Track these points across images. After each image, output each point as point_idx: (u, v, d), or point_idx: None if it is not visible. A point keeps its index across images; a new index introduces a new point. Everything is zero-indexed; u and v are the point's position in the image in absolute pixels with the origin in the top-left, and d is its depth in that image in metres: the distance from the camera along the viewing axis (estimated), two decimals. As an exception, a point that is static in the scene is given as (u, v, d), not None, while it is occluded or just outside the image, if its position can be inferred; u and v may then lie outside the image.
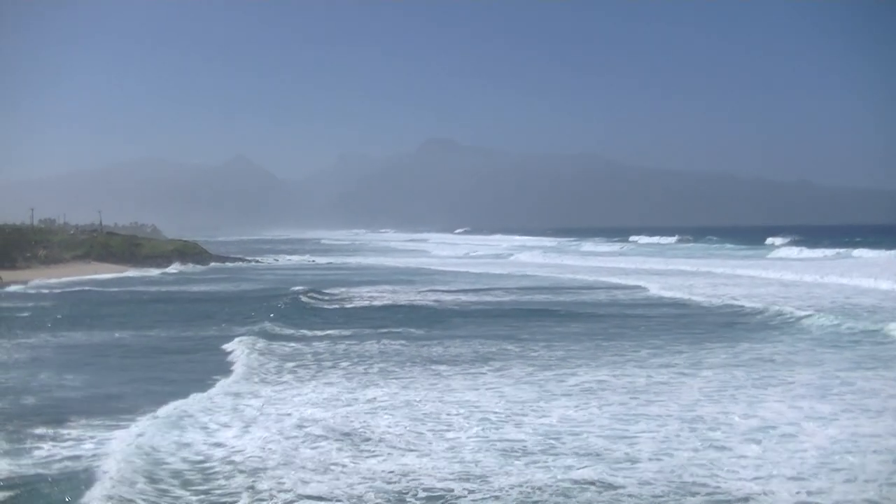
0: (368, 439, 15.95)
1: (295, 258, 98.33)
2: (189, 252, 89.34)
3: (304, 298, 44.01)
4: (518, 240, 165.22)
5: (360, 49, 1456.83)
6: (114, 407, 18.83)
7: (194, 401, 19.08)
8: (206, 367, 24.36)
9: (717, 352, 25.67)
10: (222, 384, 21.41)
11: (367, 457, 14.86)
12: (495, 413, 17.92)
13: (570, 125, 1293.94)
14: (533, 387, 20.68)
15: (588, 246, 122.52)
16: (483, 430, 16.59)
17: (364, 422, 17.26)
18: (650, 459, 14.59)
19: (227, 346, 27.35)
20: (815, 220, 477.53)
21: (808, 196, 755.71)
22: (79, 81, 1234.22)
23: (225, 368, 24.08)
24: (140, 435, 15.95)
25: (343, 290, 49.84)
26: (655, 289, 48.43)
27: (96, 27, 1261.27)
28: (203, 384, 21.32)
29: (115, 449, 15.10)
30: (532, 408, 18.39)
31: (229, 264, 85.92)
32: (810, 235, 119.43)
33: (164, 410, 18.09)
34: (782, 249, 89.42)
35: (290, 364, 24.29)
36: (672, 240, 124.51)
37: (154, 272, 72.03)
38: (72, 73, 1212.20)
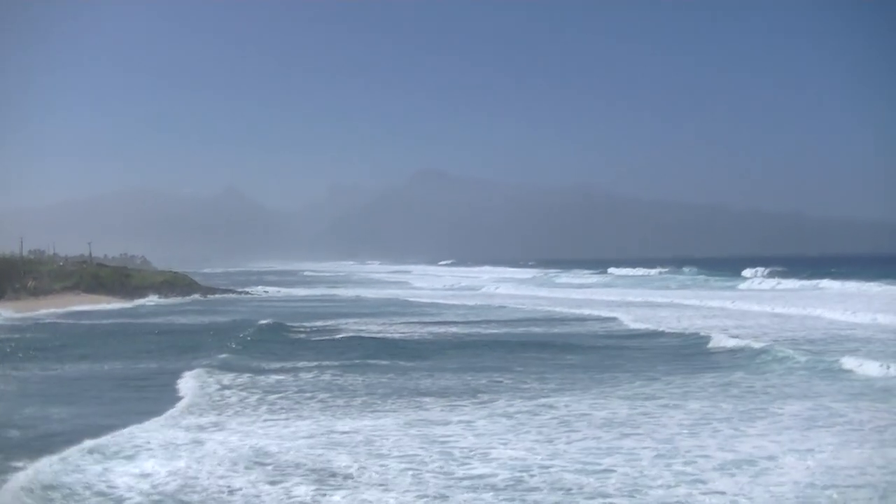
0: (334, 475, 16.24)
1: (272, 290, 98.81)
2: (178, 283, 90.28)
3: (269, 331, 44.83)
4: (500, 271, 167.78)
5: (351, 79, 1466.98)
6: (47, 440, 19.24)
7: (127, 434, 19.39)
8: (153, 400, 24.67)
9: (677, 382, 26.58)
10: (165, 416, 21.92)
11: (330, 492, 15.10)
12: (462, 448, 18.25)
13: (563, 156, 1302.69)
14: (508, 419, 21.10)
15: (565, 277, 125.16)
16: (449, 464, 16.95)
17: (326, 457, 17.48)
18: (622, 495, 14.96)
19: (181, 379, 27.76)
20: (808, 251, 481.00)
21: (800, 226, 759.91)
22: (68, 111, 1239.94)
23: (171, 400, 24.46)
24: (49, 467, 16.26)
25: (318, 323, 50.50)
26: (628, 320, 49.52)
27: (86, 57, 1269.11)
28: (145, 416, 21.76)
29: (9, 487, 15.17)
30: (501, 440, 18.85)
31: (219, 296, 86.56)
32: (793, 266, 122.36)
33: (90, 443, 18.29)
34: (754, 281, 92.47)
35: (247, 396, 24.74)
36: (653, 271, 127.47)
37: (144, 302, 74.76)
38: (61, 103, 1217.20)
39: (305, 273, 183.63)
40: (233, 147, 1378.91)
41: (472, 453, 17.80)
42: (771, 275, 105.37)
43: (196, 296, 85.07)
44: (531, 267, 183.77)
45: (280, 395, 25.29)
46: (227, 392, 25.73)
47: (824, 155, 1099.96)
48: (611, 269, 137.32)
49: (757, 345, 34.08)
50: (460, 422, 21.13)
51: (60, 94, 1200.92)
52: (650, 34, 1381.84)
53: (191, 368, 30.16)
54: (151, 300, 77.74)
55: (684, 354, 34.24)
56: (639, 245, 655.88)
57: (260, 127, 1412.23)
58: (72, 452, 17.61)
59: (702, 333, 40.13)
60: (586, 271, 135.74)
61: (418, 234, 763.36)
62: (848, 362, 28.60)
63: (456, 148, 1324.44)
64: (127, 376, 29.98)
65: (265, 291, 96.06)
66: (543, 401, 23.53)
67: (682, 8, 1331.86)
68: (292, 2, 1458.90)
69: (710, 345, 35.77)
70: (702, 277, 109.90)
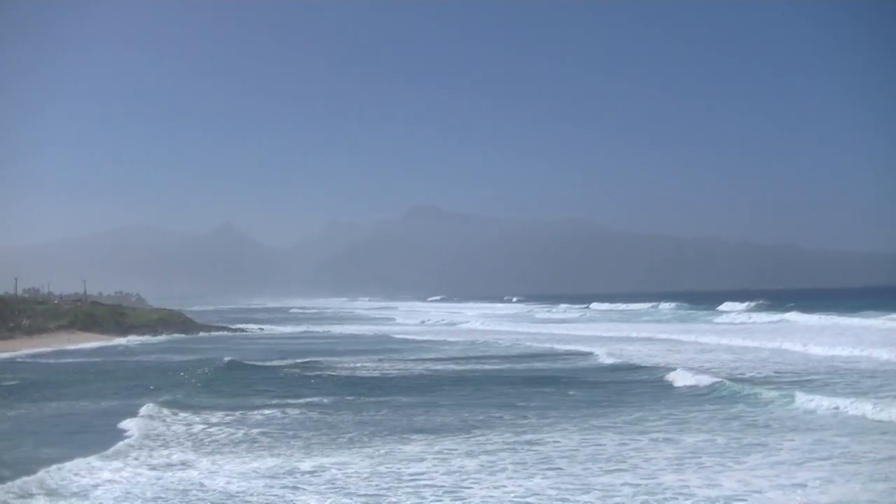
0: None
1: (259, 327, 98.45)
2: (173, 321, 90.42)
3: (236, 369, 45.67)
4: (485, 307, 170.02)
5: (347, 115, 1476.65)
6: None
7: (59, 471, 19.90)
8: (97, 437, 25.13)
9: (630, 417, 27.47)
10: (102, 453, 22.35)
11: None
12: (435, 486, 18.68)
13: (558, 190, 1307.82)
14: (486, 456, 21.60)
15: (547, 313, 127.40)
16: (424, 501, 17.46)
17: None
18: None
19: (130, 418, 28.13)
20: (802, 283, 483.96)
21: (794, 259, 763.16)
22: (62, 148, 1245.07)
23: (115, 438, 24.92)
24: None
25: (290, 360, 50.94)
26: (603, 355, 50.02)
27: (79, 93, 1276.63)
28: (85, 452, 22.25)
29: None
30: (475, 479, 19.22)
31: (214, 333, 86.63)
32: (781, 299, 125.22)
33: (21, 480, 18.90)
34: (731, 315, 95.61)
35: (199, 433, 25.53)
36: (636, 306, 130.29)
37: (133, 340, 76.04)
38: (55, 140, 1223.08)
39: (293, 310, 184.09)
40: (229, 184, 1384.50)
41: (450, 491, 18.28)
42: (752, 308, 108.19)
43: (190, 334, 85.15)
44: (518, 302, 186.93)
45: (233, 431, 26.09)
46: (170, 429, 26.58)
47: (819, 188, 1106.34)
48: (594, 305, 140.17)
49: (708, 381, 34.68)
50: (439, 457, 21.66)
51: (54, 131, 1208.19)
52: (646, 69, 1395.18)
53: (142, 406, 30.75)
54: (139, 339, 78.15)
55: (640, 392, 34.68)
56: (634, 278, 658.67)
57: (256, 164, 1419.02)
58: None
59: (663, 366, 41.70)
60: (571, 306, 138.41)
61: (412, 270, 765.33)
62: (800, 397, 29.17)
63: (450, 183, 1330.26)
64: (85, 414, 30.74)
65: (261, 329, 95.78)
66: (521, 437, 24.14)
67: (678, 44, 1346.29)
68: (286, 38, 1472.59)
69: (669, 378, 36.64)
70: (682, 311, 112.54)
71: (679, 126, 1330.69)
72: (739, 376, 37.74)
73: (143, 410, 29.83)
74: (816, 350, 49.02)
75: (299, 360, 51.15)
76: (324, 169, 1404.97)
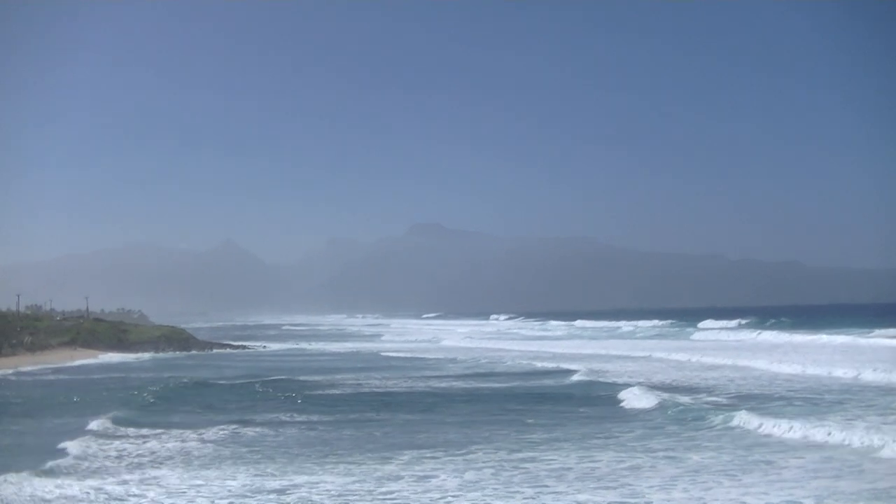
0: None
1: (255, 344, 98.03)
2: (175, 338, 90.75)
3: (197, 387, 46.47)
4: (477, 324, 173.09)
5: (349, 132, 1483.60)
6: None
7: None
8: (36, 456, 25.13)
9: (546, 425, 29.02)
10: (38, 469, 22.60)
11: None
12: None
13: (561, 208, 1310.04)
14: (459, 475, 22.14)
15: (530, 330, 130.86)
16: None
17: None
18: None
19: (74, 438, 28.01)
20: (804, 300, 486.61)
21: (796, 276, 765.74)
22: (65, 165, 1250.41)
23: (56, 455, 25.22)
24: None
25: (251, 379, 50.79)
26: (581, 373, 50.53)
27: (82, 109, 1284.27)
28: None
29: None
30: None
31: (216, 350, 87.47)
32: (773, 316, 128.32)
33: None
34: (710, 332, 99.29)
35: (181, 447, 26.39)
36: (619, 323, 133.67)
37: (139, 356, 77.48)
38: (56, 159, 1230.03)
39: (285, 327, 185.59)
40: (231, 201, 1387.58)
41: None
42: (736, 326, 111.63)
43: (192, 351, 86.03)
44: (508, 320, 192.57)
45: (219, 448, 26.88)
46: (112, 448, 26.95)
47: (822, 204, 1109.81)
48: (578, 322, 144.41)
49: (657, 400, 34.92)
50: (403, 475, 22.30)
51: (57, 148, 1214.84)
52: (649, 85, 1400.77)
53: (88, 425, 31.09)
54: (141, 356, 79.37)
55: (588, 410, 35.01)
56: (635, 296, 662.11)
57: (258, 181, 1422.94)
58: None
59: (622, 383, 42.41)
60: (561, 323, 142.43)
61: (412, 287, 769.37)
62: (742, 417, 29.41)
63: (452, 200, 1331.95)
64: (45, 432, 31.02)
65: (263, 347, 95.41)
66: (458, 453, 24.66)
67: (679, 58, 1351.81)
68: (289, 54, 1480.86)
69: (622, 396, 37.14)
70: (666, 329, 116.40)
71: (682, 142, 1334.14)
72: (694, 395, 38.01)
73: (94, 425, 30.64)
74: (782, 368, 49.73)
75: (270, 378, 51.51)
76: (326, 186, 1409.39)
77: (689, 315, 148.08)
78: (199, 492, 20.69)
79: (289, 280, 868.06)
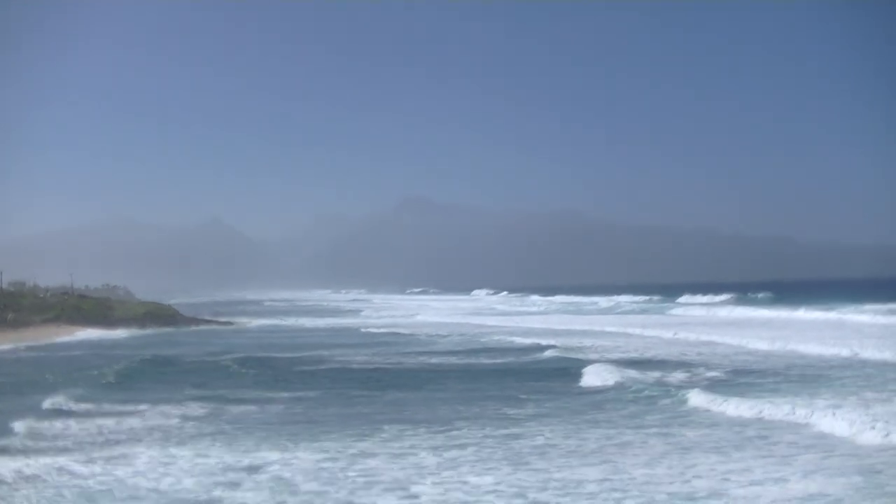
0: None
1: (242, 320, 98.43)
2: (161, 315, 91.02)
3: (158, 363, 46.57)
4: (459, 299, 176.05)
5: (335, 106, 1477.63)
6: None
7: None
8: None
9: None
10: None
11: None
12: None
13: (550, 181, 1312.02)
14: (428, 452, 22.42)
15: (509, 305, 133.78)
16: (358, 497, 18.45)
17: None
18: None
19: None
20: (794, 276, 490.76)
21: (788, 251, 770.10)
22: (49, 141, 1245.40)
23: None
24: None
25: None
26: (553, 349, 50.74)
27: (65, 86, 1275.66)
28: None
29: None
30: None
31: (203, 327, 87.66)
32: (760, 291, 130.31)
33: None
34: (684, 308, 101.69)
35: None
36: (597, 298, 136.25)
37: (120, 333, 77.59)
38: (41, 134, 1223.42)
39: (267, 303, 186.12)
40: (217, 177, 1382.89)
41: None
42: (718, 302, 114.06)
43: (178, 327, 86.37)
44: (493, 294, 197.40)
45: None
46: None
47: (814, 178, 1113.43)
48: (558, 297, 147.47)
49: (616, 378, 35.28)
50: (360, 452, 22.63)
51: (42, 126, 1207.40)
52: (637, 59, 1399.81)
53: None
54: (126, 332, 79.30)
55: (542, 388, 35.07)
56: (625, 271, 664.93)
57: (244, 157, 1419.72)
58: None
59: (594, 358, 43.22)
60: (542, 298, 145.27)
61: (400, 262, 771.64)
62: (693, 397, 29.69)
63: (441, 174, 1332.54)
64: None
65: (250, 322, 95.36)
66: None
67: (671, 33, 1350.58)
68: (274, 30, 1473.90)
69: (583, 372, 37.65)
70: (641, 304, 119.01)
71: (671, 116, 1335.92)
72: (656, 371, 38.52)
73: (51, 403, 30.92)
74: (752, 344, 50.59)
75: (255, 355, 51.73)
76: (312, 160, 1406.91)
77: (674, 290, 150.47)
78: (166, 470, 20.80)
79: (275, 256, 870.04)
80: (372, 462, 21.50)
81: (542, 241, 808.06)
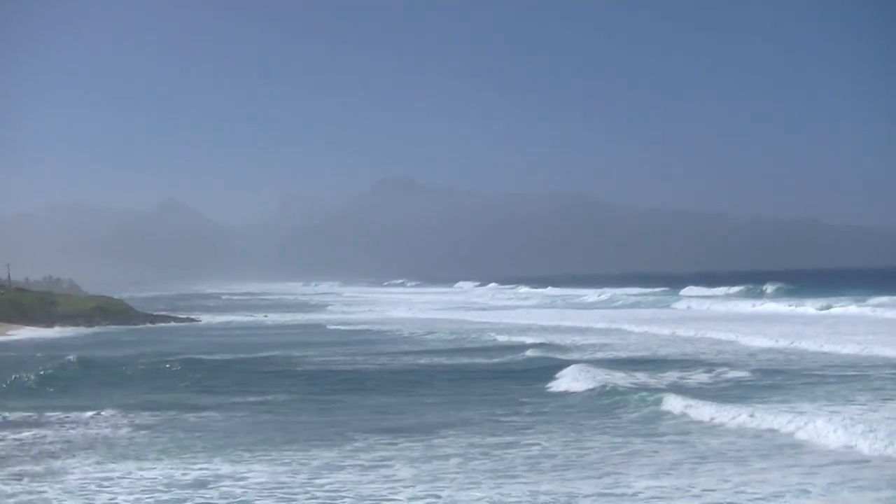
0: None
1: (205, 316, 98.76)
2: (112, 310, 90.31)
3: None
4: (438, 292, 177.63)
5: (305, 81, 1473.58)
6: None
7: None
8: None
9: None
10: None
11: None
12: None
13: (544, 160, 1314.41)
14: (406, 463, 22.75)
15: (490, 298, 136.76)
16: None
17: None
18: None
19: None
20: (820, 263, 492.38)
21: (813, 235, 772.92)
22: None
23: None
24: None
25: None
26: (534, 348, 51.32)
27: (4, 59, 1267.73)
28: None
29: None
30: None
31: (160, 325, 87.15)
32: (761, 282, 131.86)
33: None
34: (687, 301, 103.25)
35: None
36: (628, 290, 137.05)
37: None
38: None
39: (224, 297, 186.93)
40: (173, 155, 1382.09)
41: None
42: (726, 295, 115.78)
43: (131, 324, 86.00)
44: (480, 286, 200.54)
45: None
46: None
47: (840, 157, 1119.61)
48: (549, 290, 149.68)
49: (591, 384, 35.31)
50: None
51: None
52: (648, 32, 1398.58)
53: None
54: (70, 330, 78.74)
55: (508, 395, 35.55)
56: (632, 258, 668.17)
57: (203, 132, 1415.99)
58: None
59: (575, 359, 43.75)
60: (533, 290, 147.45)
61: (378, 250, 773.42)
62: (669, 401, 30.10)
63: (425, 154, 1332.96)
64: None
65: (211, 319, 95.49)
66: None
67: (685, 7, 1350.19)
68: (238, 1, 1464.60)
69: (558, 376, 38.06)
70: (640, 297, 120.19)
71: (685, 92, 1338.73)
72: (641, 373, 39.13)
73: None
74: (754, 342, 52.03)
75: (222, 356, 52.10)
76: (281, 137, 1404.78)
77: (680, 281, 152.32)
78: (101, 487, 20.85)
79: (240, 243, 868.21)
80: (339, 476, 21.51)
81: (540, 227, 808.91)
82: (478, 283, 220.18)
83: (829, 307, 79.31)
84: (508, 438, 25.76)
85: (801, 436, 24.69)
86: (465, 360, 48.52)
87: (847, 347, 46.44)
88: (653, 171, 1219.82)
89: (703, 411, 28.43)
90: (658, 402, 30.40)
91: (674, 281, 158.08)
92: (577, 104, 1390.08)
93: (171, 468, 22.43)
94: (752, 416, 27.21)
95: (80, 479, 21.70)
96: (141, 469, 22.44)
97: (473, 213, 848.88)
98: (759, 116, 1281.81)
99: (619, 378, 36.79)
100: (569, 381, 36.84)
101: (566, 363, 41.75)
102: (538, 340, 57.09)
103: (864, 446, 22.83)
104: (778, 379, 36.85)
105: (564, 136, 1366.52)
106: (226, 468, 22.36)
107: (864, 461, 22.01)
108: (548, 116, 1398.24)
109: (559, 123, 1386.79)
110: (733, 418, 27.29)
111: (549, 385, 36.67)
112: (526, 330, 68.67)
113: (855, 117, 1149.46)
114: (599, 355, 47.83)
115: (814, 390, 33.25)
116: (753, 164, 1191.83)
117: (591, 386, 34.93)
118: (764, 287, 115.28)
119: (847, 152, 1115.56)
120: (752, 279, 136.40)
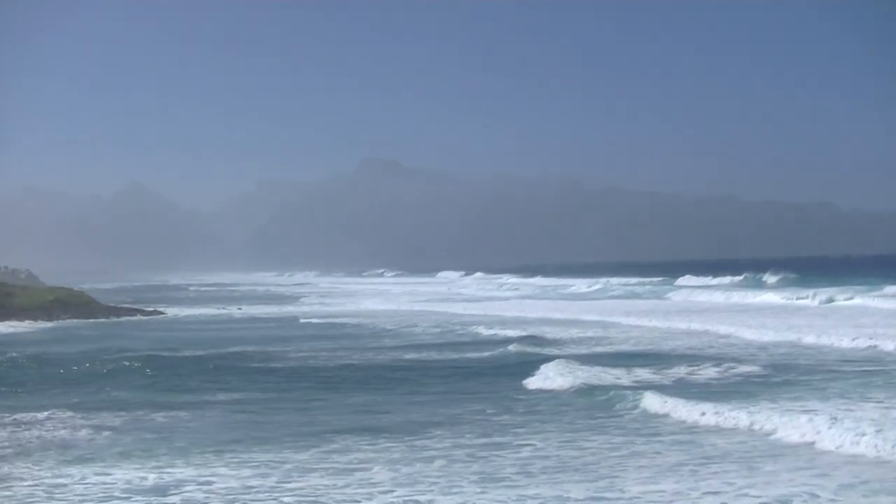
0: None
1: (172, 309, 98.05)
2: (74, 303, 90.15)
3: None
4: (420, 282, 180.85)
5: (279, 56, 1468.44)
6: None
7: None
8: None
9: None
10: None
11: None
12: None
13: (538, 141, 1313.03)
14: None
15: (472, 289, 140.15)
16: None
17: None
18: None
19: None
20: (836, 249, 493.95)
21: (829, 220, 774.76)
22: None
23: None
24: None
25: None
26: (517, 343, 51.47)
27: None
28: None
29: None
30: None
31: (125, 318, 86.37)
32: (764, 270, 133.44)
33: None
34: (683, 291, 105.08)
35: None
36: (581, 281, 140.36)
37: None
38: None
39: (192, 288, 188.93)
40: (138, 137, 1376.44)
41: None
42: (729, 285, 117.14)
43: (95, 318, 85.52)
44: (466, 276, 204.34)
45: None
46: None
47: (859, 137, 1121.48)
48: (537, 279, 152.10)
49: (569, 383, 35.58)
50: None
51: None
52: (660, 11, 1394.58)
53: None
54: (29, 325, 77.89)
55: (478, 395, 35.66)
56: (631, 244, 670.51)
57: (169, 111, 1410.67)
58: None
59: (556, 354, 44.43)
60: (518, 280, 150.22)
61: (361, 237, 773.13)
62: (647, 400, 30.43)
63: (411, 134, 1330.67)
64: None
65: (182, 311, 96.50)
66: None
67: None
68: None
69: (537, 373, 38.35)
70: (634, 287, 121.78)
71: (685, 68, 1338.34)
72: (622, 369, 39.60)
73: None
74: (750, 334, 53.21)
75: (195, 352, 52.07)
76: (254, 115, 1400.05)
77: (681, 269, 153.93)
78: (52, 494, 20.90)
79: (211, 230, 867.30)
80: (311, 479, 21.69)
81: (531, 212, 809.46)
82: (463, 273, 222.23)
83: (830, 300, 79.68)
84: (484, 441, 26.06)
85: (811, 436, 24.58)
86: (435, 355, 49.19)
87: (861, 341, 46.52)
88: (653, 154, 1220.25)
89: (682, 410, 28.82)
90: (638, 400, 30.78)
91: (672, 269, 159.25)
92: (570, 83, 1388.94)
93: (132, 472, 22.54)
94: (734, 413, 27.52)
95: (30, 485, 21.60)
96: (97, 474, 22.44)
97: (461, 197, 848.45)
98: (769, 95, 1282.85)
99: (602, 374, 37.45)
100: (546, 377, 37.16)
101: (548, 358, 42.25)
102: (523, 334, 57.96)
103: (879, 447, 22.67)
104: (790, 375, 37.23)
105: (557, 116, 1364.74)
106: (190, 472, 22.50)
107: (879, 462, 21.96)
108: (539, 95, 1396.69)
109: (552, 103, 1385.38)
110: (707, 415, 27.80)
111: (526, 381, 36.98)
112: (511, 323, 69.69)
113: (875, 95, 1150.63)
114: (585, 350, 48.66)
115: (827, 387, 33.46)
116: (764, 145, 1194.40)
117: (572, 381, 35.42)
118: (764, 276, 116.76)
119: (867, 132, 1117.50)
120: (756, 267, 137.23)
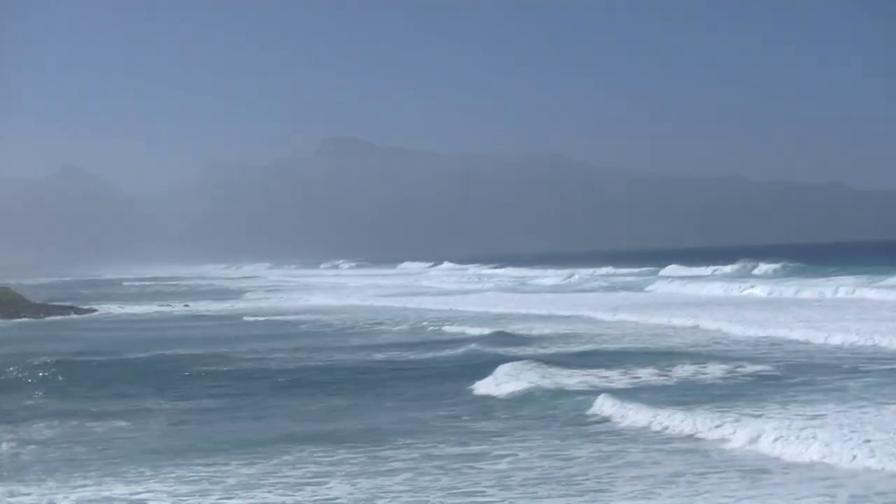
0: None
1: (112, 307, 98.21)
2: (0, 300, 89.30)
3: None
4: (382, 274, 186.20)
5: (229, 28, 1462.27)
6: None
7: None
8: None
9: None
10: None
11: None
12: None
13: (525, 117, 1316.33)
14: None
15: (440, 282, 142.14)
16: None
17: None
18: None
19: None
20: (847, 234, 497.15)
21: (841, 202, 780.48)
22: None
23: None
24: None
25: None
26: (478, 341, 52.13)
27: None
28: None
29: None
30: None
31: (58, 317, 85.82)
32: (760, 258, 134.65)
33: None
34: (666, 282, 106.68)
35: None
36: (563, 271, 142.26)
37: None
38: None
39: (126, 283, 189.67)
40: (70, 116, 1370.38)
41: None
42: (730, 275, 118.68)
43: (19, 318, 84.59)
44: (432, 267, 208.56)
45: None
46: None
47: (872, 115, 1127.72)
48: (508, 270, 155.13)
49: (522, 386, 35.90)
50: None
51: None
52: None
53: None
54: None
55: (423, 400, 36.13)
56: (618, 230, 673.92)
57: (104, 87, 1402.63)
58: None
59: (505, 354, 45.02)
60: (489, 270, 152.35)
61: (322, 224, 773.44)
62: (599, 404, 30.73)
63: (381, 110, 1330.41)
64: None
65: (120, 308, 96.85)
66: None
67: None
68: None
69: (493, 374, 38.95)
70: (615, 278, 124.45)
71: (683, 43, 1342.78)
72: (587, 370, 39.54)
73: None
74: (734, 330, 54.12)
75: (134, 354, 52.53)
76: (205, 91, 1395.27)
77: (669, 257, 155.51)
78: None
79: (153, 217, 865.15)
80: (257, 496, 21.62)
81: (515, 194, 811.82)
82: (429, 264, 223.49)
83: (820, 293, 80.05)
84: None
85: (817, 446, 23.90)
86: (379, 355, 49.44)
87: (881, 338, 45.77)
88: (648, 132, 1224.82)
89: (641, 416, 28.89)
90: (592, 404, 30.90)
91: (660, 258, 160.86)
92: (559, 54, 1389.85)
93: (53, 491, 22.26)
94: (692, 420, 27.62)
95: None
96: (13, 495, 22.09)
97: (435, 178, 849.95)
98: (773, 71, 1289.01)
99: (561, 377, 37.51)
100: (495, 382, 37.31)
101: (506, 358, 42.61)
102: (486, 331, 58.34)
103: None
104: (799, 377, 36.54)
105: (543, 91, 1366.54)
106: (120, 489, 22.35)
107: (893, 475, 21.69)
108: (525, 64, 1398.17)
109: (541, 73, 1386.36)
110: (659, 418, 28.11)
111: (473, 386, 37.15)
112: (474, 319, 70.22)
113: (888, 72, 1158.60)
114: (552, 349, 49.05)
115: (827, 388, 33.25)
116: (770, 124, 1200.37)
117: (525, 388, 35.30)
118: (758, 266, 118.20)
119: (881, 110, 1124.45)
120: (754, 254, 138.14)
